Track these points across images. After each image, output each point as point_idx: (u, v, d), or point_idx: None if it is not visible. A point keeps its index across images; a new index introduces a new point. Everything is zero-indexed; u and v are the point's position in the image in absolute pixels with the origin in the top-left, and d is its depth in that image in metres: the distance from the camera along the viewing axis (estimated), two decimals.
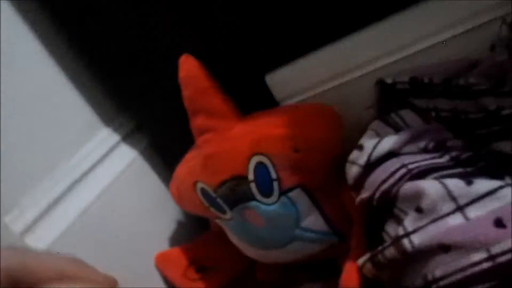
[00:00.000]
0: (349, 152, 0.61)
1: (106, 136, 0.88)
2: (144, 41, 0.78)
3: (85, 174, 0.81)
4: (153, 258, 0.86)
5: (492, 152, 0.52)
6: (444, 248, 0.44)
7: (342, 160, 0.63)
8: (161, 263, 0.85)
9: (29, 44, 0.80)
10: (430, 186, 0.46)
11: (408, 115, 0.60)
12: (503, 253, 0.41)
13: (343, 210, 0.68)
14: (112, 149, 0.88)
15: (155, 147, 0.93)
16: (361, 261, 0.53)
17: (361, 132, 0.63)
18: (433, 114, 0.58)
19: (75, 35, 0.82)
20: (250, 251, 0.77)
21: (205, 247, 0.86)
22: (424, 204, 0.46)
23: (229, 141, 0.68)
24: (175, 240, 0.90)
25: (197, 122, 0.71)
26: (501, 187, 0.45)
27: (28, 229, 0.71)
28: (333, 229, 0.69)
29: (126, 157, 0.89)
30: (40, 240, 0.71)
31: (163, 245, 0.89)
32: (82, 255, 0.74)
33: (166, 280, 0.86)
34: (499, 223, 0.43)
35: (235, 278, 0.86)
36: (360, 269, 0.54)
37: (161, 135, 0.89)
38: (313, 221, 0.69)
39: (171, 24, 0.75)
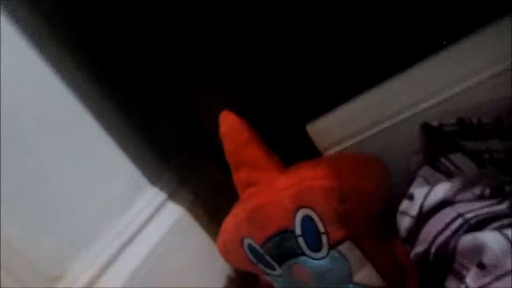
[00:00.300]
0: (396, 199, 0.58)
1: (153, 196, 0.89)
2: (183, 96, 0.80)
3: (133, 236, 0.82)
4: None
5: None
6: None
7: (389, 209, 0.60)
8: None
9: (73, 104, 0.83)
10: (491, 239, 0.43)
11: (459, 159, 0.57)
12: None
13: (395, 261, 0.64)
14: (158, 208, 0.88)
15: (200, 202, 0.93)
16: None
17: (407, 178, 0.61)
18: (486, 156, 0.55)
19: (121, 99, 0.86)
20: None
21: None
22: (487, 259, 0.43)
23: (273, 194, 0.67)
24: None
25: (240, 175, 0.70)
26: None
27: None
28: (388, 282, 0.65)
29: (173, 215, 0.89)
30: None
31: None
32: None
33: None
34: None
35: None
36: None
37: (206, 190, 0.90)
38: (366, 275, 0.65)
39: (209, 79, 0.77)
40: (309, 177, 0.65)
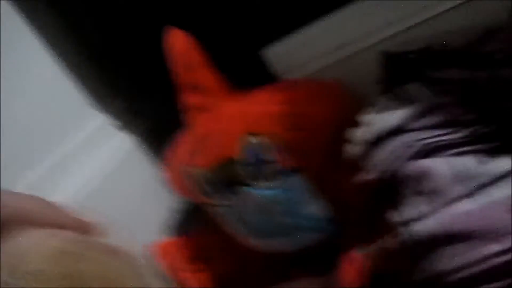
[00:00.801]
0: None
1: (100, 123, 0.84)
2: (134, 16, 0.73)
3: (76, 160, 0.77)
4: (153, 248, 0.81)
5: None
6: (454, 237, 0.37)
7: (345, 141, 0.57)
8: (159, 252, 0.81)
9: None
10: (437, 165, 0.40)
11: (419, 89, 0.53)
12: None
13: (347, 197, 0.61)
14: (105, 135, 0.83)
15: (151, 133, 0.87)
16: (360, 252, 0.47)
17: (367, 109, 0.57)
18: (447, 85, 0.51)
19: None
20: (249, 241, 0.71)
21: (201, 238, 0.81)
22: (430, 187, 0.40)
23: (221, 120, 0.62)
24: (172, 230, 0.85)
25: (186, 98, 0.65)
26: None
27: None
28: (335, 217, 0.63)
29: (121, 144, 0.84)
30: None
31: (158, 235, 0.84)
32: None
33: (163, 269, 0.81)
34: None
35: (232, 270, 0.80)
36: (361, 261, 0.48)
37: (158, 121, 0.84)
38: (314, 207, 0.62)
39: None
40: (260, 102, 0.61)
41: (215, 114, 0.63)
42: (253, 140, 0.60)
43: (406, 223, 0.40)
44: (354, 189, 0.56)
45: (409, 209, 0.40)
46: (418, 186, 0.40)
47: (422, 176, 0.40)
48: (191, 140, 0.65)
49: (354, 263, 0.49)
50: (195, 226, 0.85)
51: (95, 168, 0.78)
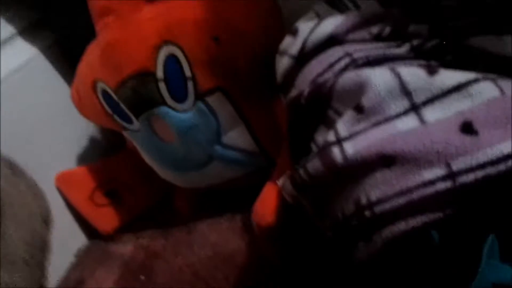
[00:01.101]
0: None
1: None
2: None
3: None
4: (53, 178, 0.71)
5: (466, 47, 0.39)
6: (387, 161, 0.31)
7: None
8: (64, 183, 0.71)
9: None
10: (377, 75, 0.33)
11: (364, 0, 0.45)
12: (468, 170, 0.29)
13: (275, 126, 0.54)
14: (5, 42, 0.70)
15: (62, 44, 0.75)
16: (281, 181, 0.40)
17: None
18: None
19: None
20: (164, 173, 0.63)
21: (117, 168, 0.72)
22: (367, 100, 0.32)
23: (134, 26, 0.52)
24: (82, 158, 0.75)
25: (94, 2, 0.54)
26: (475, 81, 0.31)
27: None
28: (261, 148, 0.56)
29: (25, 54, 0.72)
30: None
31: (66, 164, 0.74)
32: None
33: (68, 203, 0.72)
34: (467, 128, 0.30)
35: (149, 206, 0.73)
36: (281, 191, 0.41)
37: (67, 32, 0.72)
38: (237, 136, 0.55)
39: None
40: (179, 6, 0.51)
41: (128, 18, 0.53)
42: (171, 51, 0.50)
43: (338, 142, 0.33)
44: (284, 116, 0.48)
45: (341, 126, 0.33)
46: (354, 100, 0.33)
47: (359, 88, 0.33)
48: (98, 49, 0.55)
49: (273, 193, 0.43)
50: (102, 154, 0.75)
51: None
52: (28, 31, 0.73)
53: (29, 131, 0.69)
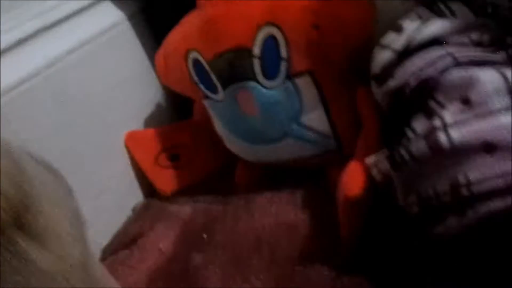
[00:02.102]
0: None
1: None
2: None
3: (60, 22, 0.69)
4: (123, 135, 0.76)
5: None
6: (488, 148, 0.36)
7: (363, 56, 0.53)
8: (132, 142, 0.76)
9: None
10: (487, 74, 0.38)
11: (459, 8, 0.50)
12: None
13: (352, 114, 0.59)
14: (95, 3, 0.75)
15: (147, 13, 0.80)
16: (372, 159, 0.45)
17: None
18: (490, 10, 0.48)
19: None
20: (234, 144, 0.68)
21: (183, 134, 0.77)
22: (474, 94, 0.37)
23: (239, 4, 0.57)
24: (152, 122, 0.80)
25: None
26: None
27: None
28: (334, 133, 0.61)
29: (111, 17, 0.76)
30: None
31: (136, 125, 0.79)
32: (41, 112, 0.65)
33: (133, 161, 0.77)
34: None
35: (209, 174, 0.78)
36: (369, 169, 0.46)
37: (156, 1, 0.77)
38: (315, 118, 0.60)
39: None
40: None
41: None
42: (271, 31, 0.55)
43: (444, 127, 0.37)
44: (369, 103, 0.53)
45: (447, 115, 0.38)
46: (461, 94, 0.38)
47: (467, 84, 0.38)
48: (200, 20, 0.59)
49: (359, 172, 0.47)
50: (168, 120, 0.80)
51: (82, 37, 0.70)
52: None
53: (105, 91, 0.74)
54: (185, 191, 0.77)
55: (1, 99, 0.59)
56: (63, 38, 0.68)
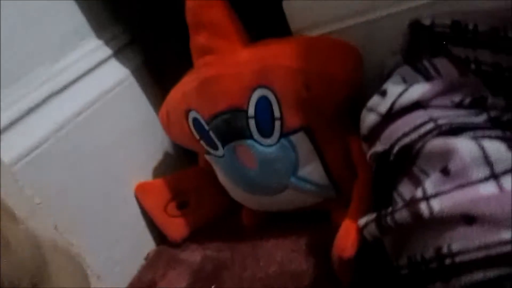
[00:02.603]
0: (363, 98, 0.53)
1: (95, 48, 0.79)
2: None
3: (67, 85, 0.73)
4: (133, 186, 0.79)
5: None
6: (468, 219, 0.37)
7: (354, 105, 0.55)
8: (142, 193, 0.79)
9: None
10: (464, 145, 0.39)
11: (443, 64, 0.51)
12: None
13: (346, 161, 0.61)
14: (100, 63, 0.79)
15: (149, 65, 0.83)
16: (363, 221, 0.47)
17: (381, 79, 0.56)
18: (473, 66, 0.50)
19: None
20: (238, 194, 0.70)
21: (190, 182, 0.80)
22: (453, 165, 0.39)
23: (232, 67, 0.60)
24: (160, 171, 0.83)
25: (198, 39, 0.62)
26: None
27: None
28: (332, 182, 0.63)
29: (115, 74, 0.80)
30: (9, 150, 0.63)
31: (145, 175, 0.82)
32: (54, 174, 0.68)
33: (143, 211, 0.80)
34: None
35: (216, 218, 0.80)
36: (361, 229, 0.47)
37: (157, 52, 0.80)
38: (311, 170, 0.62)
39: None
40: (275, 54, 0.58)
41: (228, 59, 0.60)
42: (264, 93, 0.58)
43: (425, 198, 0.39)
44: (362, 156, 0.55)
45: (429, 185, 0.40)
46: (441, 163, 0.40)
47: (446, 154, 0.39)
48: (197, 82, 0.62)
49: (353, 231, 0.49)
50: (175, 167, 0.83)
51: (89, 98, 0.74)
52: (120, 53, 0.82)
53: (114, 144, 0.77)
54: (194, 235, 0.80)
55: (15, 168, 0.63)
56: (71, 101, 0.72)
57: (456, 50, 0.52)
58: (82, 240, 0.70)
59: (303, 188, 0.63)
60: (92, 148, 0.74)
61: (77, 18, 0.78)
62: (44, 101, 0.69)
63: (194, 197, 0.80)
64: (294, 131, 0.59)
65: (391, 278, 0.49)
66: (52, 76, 0.71)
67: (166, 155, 0.86)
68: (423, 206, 0.39)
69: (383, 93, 0.49)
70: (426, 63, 0.52)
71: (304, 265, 0.63)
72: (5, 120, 0.64)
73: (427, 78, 0.50)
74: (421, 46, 0.55)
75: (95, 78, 0.77)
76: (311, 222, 0.69)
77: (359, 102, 0.54)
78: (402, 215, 0.41)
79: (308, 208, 0.67)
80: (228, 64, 0.60)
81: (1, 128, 0.63)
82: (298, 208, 0.67)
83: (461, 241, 0.37)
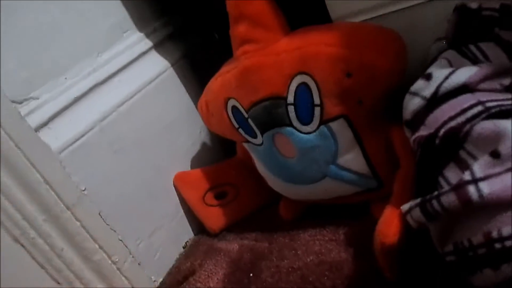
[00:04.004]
0: (407, 88, 0.52)
1: (138, 40, 0.81)
2: None
3: (111, 76, 0.75)
4: (172, 176, 0.81)
5: None
6: None
7: (397, 95, 0.54)
8: (180, 183, 0.80)
9: None
10: None
11: (491, 49, 0.50)
12: None
13: (388, 152, 0.60)
14: (142, 55, 0.81)
15: (189, 58, 0.85)
16: (406, 207, 0.46)
17: (425, 67, 0.54)
18: None
19: None
20: (276, 184, 0.70)
21: (228, 173, 0.80)
22: (504, 148, 0.38)
23: (272, 55, 0.60)
24: (198, 162, 0.85)
25: (238, 29, 0.62)
26: None
27: (44, 124, 0.66)
28: (373, 172, 0.62)
29: (157, 66, 0.82)
30: (55, 138, 0.66)
31: (184, 165, 0.83)
32: (98, 162, 0.70)
33: (182, 201, 0.81)
34: None
35: (254, 210, 0.80)
36: (404, 215, 0.46)
37: (198, 46, 0.81)
38: (352, 159, 0.61)
39: None
40: (316, 42, 0.58)
41: (268, 48, 0.60)
42: (304, 79, 0.57)
43: (474, 181, 0.38)
44: (404, 145, 0.54)
45: (477, 168, 0.38)
46: (490, 146, 0.38)
47: (496, 136, 0.38)
48: (237, 71, 0.63)
49: (395, 218, 0.48)
50: (213, 159, 0.84)
51: (132, 89, 0.76)
52: (162, 45, 0.84)
53: (154, 135, 0.79)
54: (232, 227, 0.80)
55: (61, 155, 0.65)
56: (114, 91, 0.74)
57: (505, 34, 0.50)
58: (124, 227, 0.72)
59: (343, 177, 0.62)
60: (133, 138, 0.75)
61: (121, 12, 0.80)
62: (90, 91, 0.71)
63: (232, 189, 0.80)
64: (334, 119, 0.58)
65: (436, 270, 0.48)
66: (97, 67, 0.73)
67: (205, 147, 0.87)
68: (471, 189, 0.38)
69: (428, 77, 0.47)
70: (472, 47, 0.50)
71: (344, 255, 0.62)
72: (53, 109, 0.67)
73: (475, 62, 0.49)
74: (468, 31, 0.53)
75: (137, 70, 0.79)
76: (350, 216, 0.68)
77: (402, 91, 0.53)
78: (449, 198, 0.40)
79: (348, 199, 0.66)
80: (268, 53, 0.60)
81: (50, 116, 0.66)
82: (337, 198, 0.66)
83: (506, 225, 0.36)
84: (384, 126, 0.59)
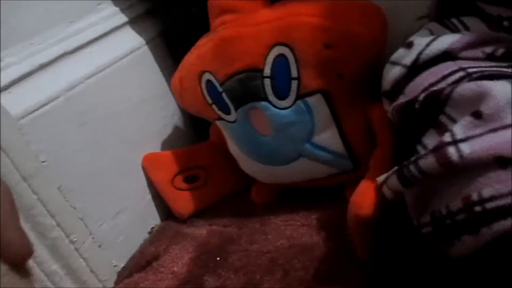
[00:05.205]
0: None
1: (113, 14, 0.78)
2: None
3: (81, 47, 0.71)
4: (141, 157, 0.77)
5: None
6: (502, 162, 0.34)
7: (376, 75, 0.53)
8: (149, 164, 0.77)
9: None
10: (498, 87, 0.36)
11: (473, 22, 0.48)
12: None
13: (365, 132, 0.58)
14: (116, 29, 0.77)
15: (164, 37, 0.82)
16: (383, 177, 0.44)
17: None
18: (506, 24, 0.47)
19: None
20: (249, 166, 0.67)
21: (200, 156, 0.77)
22: (486, 108, 0.36)
23: (251, 26, 0.57)
24: (169, 145, 0.81)
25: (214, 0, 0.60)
26: None
27: (6, 88, 0.62)
28: (349, 153, 0.60)
29: (131, 42, 0.78)
30: (17, 103, 0.62)
31: (154, 147, 0.80)
32: (62, 134, 0.66)
33: (151, 183, 0.77)
34: None
35: (225, 196, 0.77)
36: (380, 186, 0.44)
37: (173, 24, 0.79)
38: (328, 137, 0.59)
39: None
40: (297, 12, 0.56)
41: (247, 19, 0.58)
42: (282, 51, 0.55)
43: (454, 142, 0.36)
44: (383, 123, 0.52)
45: (458, 129, 0.36)
46: (472, 107, 0.37)
47: (478, 97, 0.36)
48: (213, 42, 0.60)
49: (371, 190, 0.46)
50: (185, 142, 0.81)
51: (103, 61, 0.72)
52: (137, 21, 0.80)
53: (125, 111, 0.76)
54: (202, 212, 0.77)
55: (21, 121, 0.61)
56: (84, 63, 0.70)
57: (488, 8, 0.49)
58: (86, 205, 0.68)
59: (318, 156, 0.60)
60: (102, 113, 0.72)
61: None
62: (57, 59, 0.67)
63: (204, 173, 0.77)
64: (311, 93, 0.56)
65: (411, 247, 0.46)
66: (68, 36, 0.70)
67: (177, 130, 0.84)
68: (451, 150, 0.36)
69: (409, 45, 0.46)
70: (454, 20, 0.49)
71: (316, 238, 0.60)
72: (15, 73, 0.63)
73: (456, 32, 0.47)
74: (450, 7, 0.52)
75: (110, 44, 0.75)
76: (323, 200, 0.66)
77: (381, 71, 0.51)
78: (428, 161, 0.37)
79: (322, 182, 0.64)
80: (247, 23, 0.58)
81: (11, 81, 0.62)
82: (311, 181, 0.64)
83: (494, 185, 0.34)
84: (364, 106, 0.57)
